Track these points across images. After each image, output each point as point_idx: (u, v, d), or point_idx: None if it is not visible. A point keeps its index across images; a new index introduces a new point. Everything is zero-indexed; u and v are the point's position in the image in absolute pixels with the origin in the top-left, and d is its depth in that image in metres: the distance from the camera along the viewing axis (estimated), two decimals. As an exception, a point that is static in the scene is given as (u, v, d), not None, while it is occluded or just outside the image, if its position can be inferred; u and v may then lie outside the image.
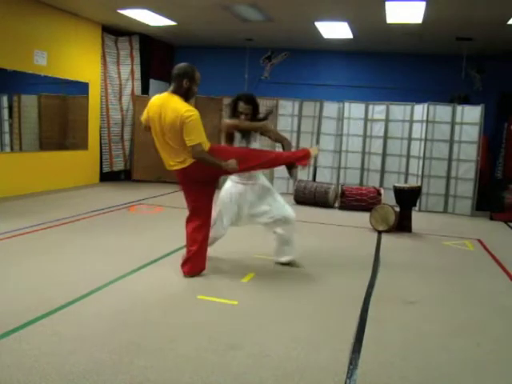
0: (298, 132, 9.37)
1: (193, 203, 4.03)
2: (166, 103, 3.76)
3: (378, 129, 8.80)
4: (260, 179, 4.38)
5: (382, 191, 7.94)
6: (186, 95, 3.82)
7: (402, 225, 6.37)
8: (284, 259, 4.51)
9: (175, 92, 3.81)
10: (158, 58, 10.72)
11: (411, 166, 8.54)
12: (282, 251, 4.50)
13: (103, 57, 9.39)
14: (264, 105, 9.49)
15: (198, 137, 3.69)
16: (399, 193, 6.59)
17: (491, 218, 7.63)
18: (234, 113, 4.26)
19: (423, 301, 3.83)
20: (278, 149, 4.73)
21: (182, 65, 3.86)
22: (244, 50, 10.37)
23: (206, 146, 3.80)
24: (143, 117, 3.98)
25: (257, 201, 4.32)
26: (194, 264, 4.03)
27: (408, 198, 6.52)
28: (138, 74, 10.00)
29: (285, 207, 4.37)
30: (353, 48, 9.95)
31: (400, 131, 8.69)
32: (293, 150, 4.70)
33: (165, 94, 3.86)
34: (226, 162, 3.78)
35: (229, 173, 4.03)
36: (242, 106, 4.21)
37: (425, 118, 8.17)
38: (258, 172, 4.31)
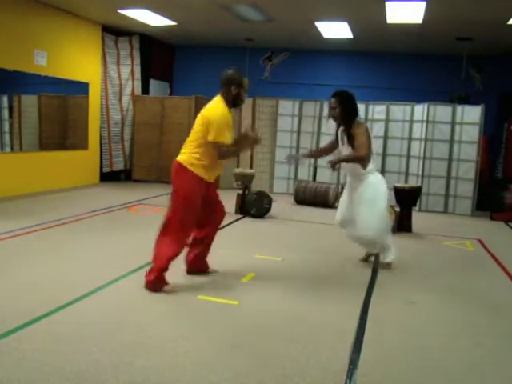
0: (298, 132, 9.37)
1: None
2: (211, 104, 3.82)
3: (378, 129, 8.80)
4: (366, 183, 4.36)
5: (382, 191, 7.93)
6: (234, 101, 3.85)
7: (402, 225, 6.37)
8: (384, 260, 4.67)
9: (223, 96, 3.84)
10: (158, 58, 10.72)
11: (411, 166, 8.54)
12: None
13: (103, 57, 9.38)
14: (264, 105, 9.54)
15: (219, 135, 3.66)
16: (399, 193, 6.59)
17: (491, 218, 7.63)
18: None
19: (423, 301, 3.83)
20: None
21: (229, 71, 3.89)
22: (244, 50, 10.38)
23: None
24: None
25: (353, 202, 4.46)
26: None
27: (408, 197, 6.52)
28: (138, 74, 9.99)
29: (366, 224, 4.35)
30: (353, 48, 9.95)
31: (400, 131, 8.69)
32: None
33: (216, 97, 3.87)
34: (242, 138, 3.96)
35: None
36: (330, 101, 4.36)
37: (425, 118, 8.17)
38: (365, 172, 4.35)
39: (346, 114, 4.33)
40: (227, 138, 3.71)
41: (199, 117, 3.81)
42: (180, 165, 3.75)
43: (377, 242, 4.49)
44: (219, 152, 3.72)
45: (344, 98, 4.34)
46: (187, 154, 3.77)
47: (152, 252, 3.77)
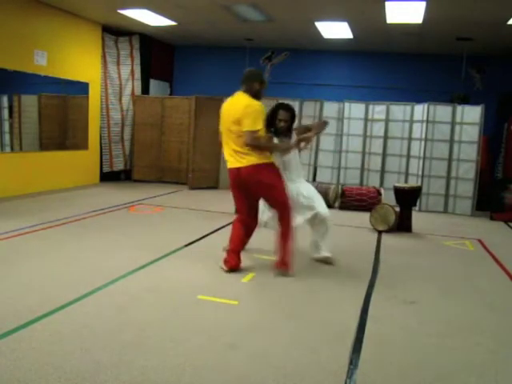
0: (298, 132, 9.35)
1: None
2: (238, 100, 4.14)
3: (377, 129, 8.80)
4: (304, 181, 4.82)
5: (382, 191, 7.94)
6: (256, 96, 4.15)
7: (402, 225, 6.37)
8: (318, 255, 4.72)
9: (245, 92, 4.16)
10: (158, 58, 10.72)
11: (411, 165, 8.54)
12: (317, 248, 4.73)
13: (103, 57, 9.39)
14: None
15: (254, 124, 3.96)
16: (399, 193, 6.59)
17: (491, 218, 7.63)
18: (274, 120, 4.49)
19: (423, 301, 3.83)
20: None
21: (253, 69, 4.34)
22: (244, 50, 10.37)
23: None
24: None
25: (306, 195, 4.64)
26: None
27: (408, 197, 6.51)
28: (138, 74, 10.00)
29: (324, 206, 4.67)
30: (353, 48, 9.95)
31: (400, 131, 8.69)
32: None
33: (238, 93, 4.21)
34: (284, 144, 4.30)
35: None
36: (282, 113, 4.47)
37: (425, 118, 8.17)
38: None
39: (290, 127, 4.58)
40: (261, 131, 4.08)
41: (232, 121, 4.04)
42: (255, 165, 4.06)
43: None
44: (249, 137, 3.98)
45: (294, 114, 4.59)
46: (250, 155, 4.05)
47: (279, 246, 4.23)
